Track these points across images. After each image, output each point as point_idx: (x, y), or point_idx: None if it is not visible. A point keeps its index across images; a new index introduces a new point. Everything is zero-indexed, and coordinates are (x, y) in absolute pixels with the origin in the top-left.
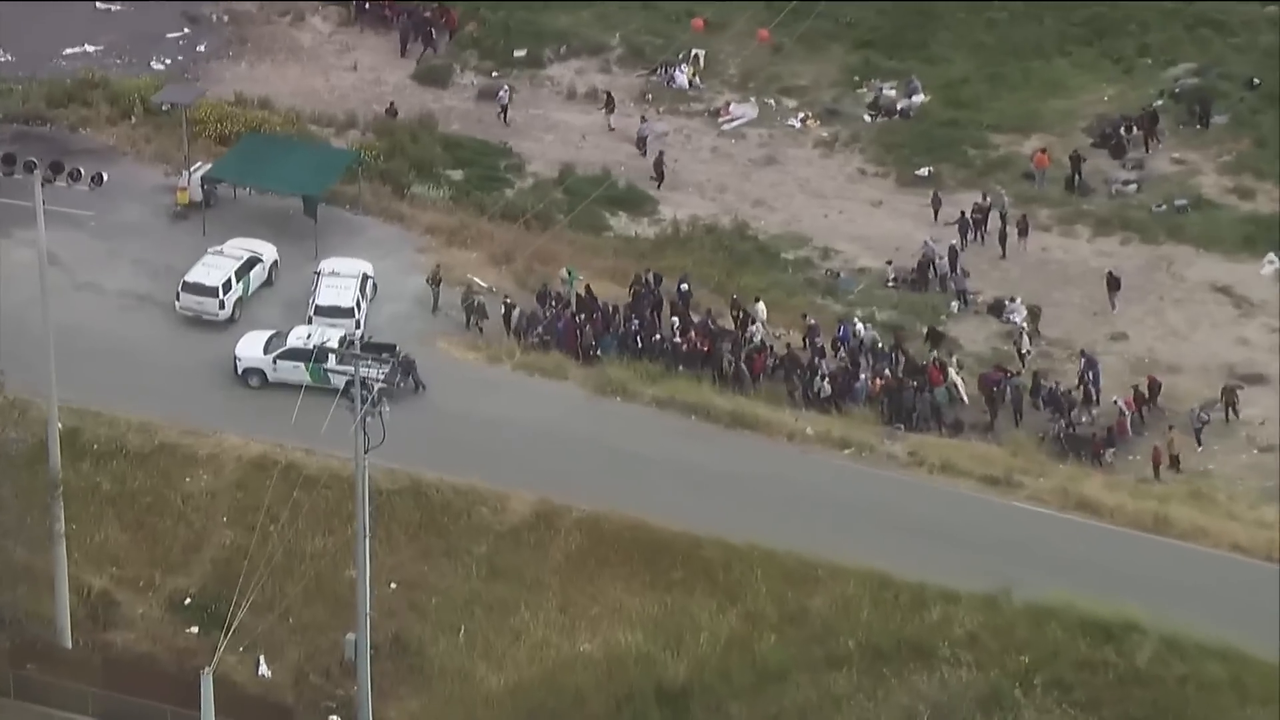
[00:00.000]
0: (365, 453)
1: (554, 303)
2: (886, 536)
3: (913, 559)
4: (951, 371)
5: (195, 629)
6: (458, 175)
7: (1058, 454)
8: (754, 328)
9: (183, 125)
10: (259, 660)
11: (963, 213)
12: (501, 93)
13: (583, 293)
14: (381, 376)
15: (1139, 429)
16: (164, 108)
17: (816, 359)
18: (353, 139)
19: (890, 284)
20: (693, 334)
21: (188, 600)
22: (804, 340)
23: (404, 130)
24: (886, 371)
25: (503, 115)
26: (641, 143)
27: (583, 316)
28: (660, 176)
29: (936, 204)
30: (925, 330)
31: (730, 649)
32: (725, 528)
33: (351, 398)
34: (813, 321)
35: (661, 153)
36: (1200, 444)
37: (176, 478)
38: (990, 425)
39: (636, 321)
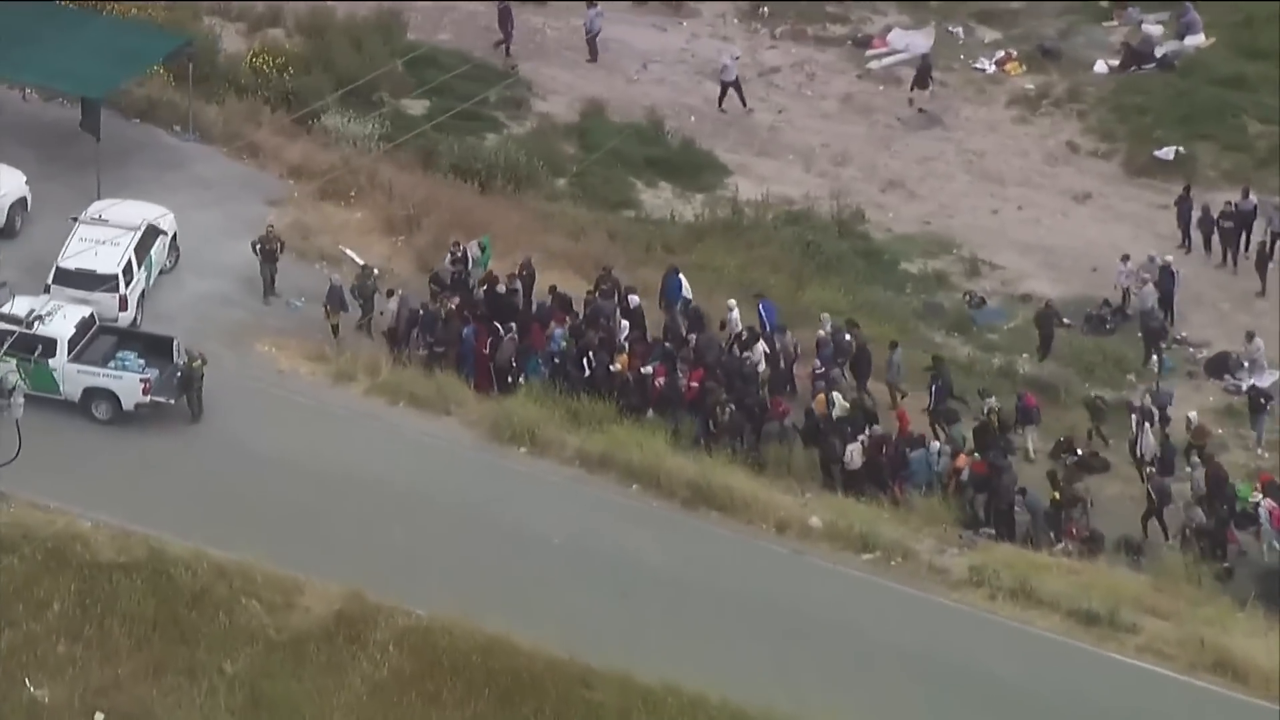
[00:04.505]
0: None
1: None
2: (891, 689)
3: None
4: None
5: None
6: (418, 108)
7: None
8: (752, 350)
9: None
10: None
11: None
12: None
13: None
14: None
15: None
16: None
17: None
18: (268, 41)
19: (1065, 321)
20: (624, 360)
21: None
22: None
23: (344, 34)
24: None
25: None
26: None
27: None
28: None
29: (1183, 205)
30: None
31: None
32: (635, 657)
33: None
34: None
35: None
36: None
37: None
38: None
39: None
